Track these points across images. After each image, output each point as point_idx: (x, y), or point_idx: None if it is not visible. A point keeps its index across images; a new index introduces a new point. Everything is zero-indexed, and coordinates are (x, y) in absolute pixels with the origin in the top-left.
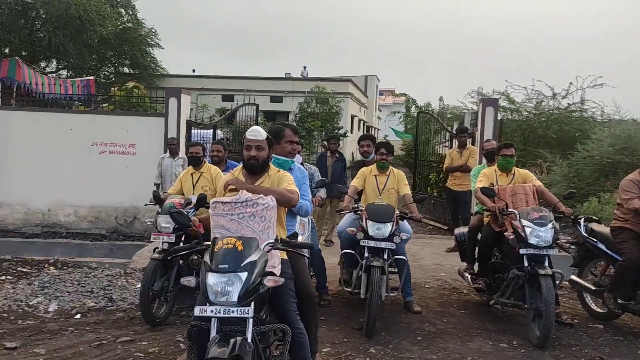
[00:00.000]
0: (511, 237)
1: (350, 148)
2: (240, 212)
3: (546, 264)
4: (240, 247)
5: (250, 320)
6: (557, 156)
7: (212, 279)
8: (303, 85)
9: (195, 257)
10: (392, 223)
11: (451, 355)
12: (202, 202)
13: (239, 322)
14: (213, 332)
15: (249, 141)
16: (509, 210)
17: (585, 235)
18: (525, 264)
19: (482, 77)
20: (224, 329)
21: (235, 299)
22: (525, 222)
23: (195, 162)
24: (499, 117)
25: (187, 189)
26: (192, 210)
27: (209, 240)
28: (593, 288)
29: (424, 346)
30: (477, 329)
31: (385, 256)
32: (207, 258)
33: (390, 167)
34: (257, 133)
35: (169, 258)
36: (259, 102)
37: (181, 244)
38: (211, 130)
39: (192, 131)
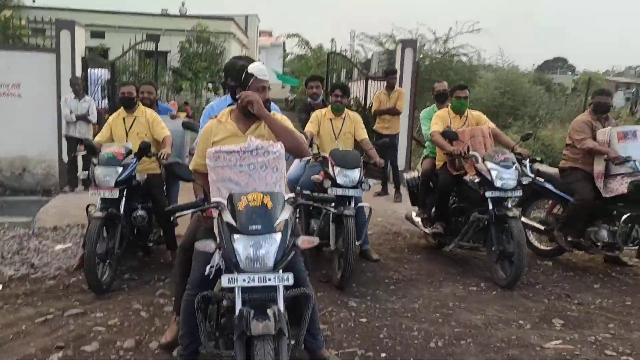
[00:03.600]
0: (477, 180)
1: None
2: (251, 162)
3: (508, 205)
4: (270, 204)
5: (282, 287)
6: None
7: (241, 242)
8: (182, 24)
9: (141, 213)
10: (360, 169)
11: (432, 303)
12: (146, 150)
13: (263, 289)
14: (239, 304)
15: (261, 82)
16: (471, 153)
17: (533, 176)
18: (490, 206)
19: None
20: (252, 298)
21: (271, 264)
22: (490, 165)
23: (128, 104)
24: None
25: (119, 135)
26: (134, 160)
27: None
28: (542, 227)
29: (400, 295)
30: (441, 273)
31: (353, 204)
32: (228, 218)
33: (346, 109)
34: (266, 72)
35: (172, 218)
36: (133, 41)
37: (123, 199)
38: (106, 70)
39: (89, 70)
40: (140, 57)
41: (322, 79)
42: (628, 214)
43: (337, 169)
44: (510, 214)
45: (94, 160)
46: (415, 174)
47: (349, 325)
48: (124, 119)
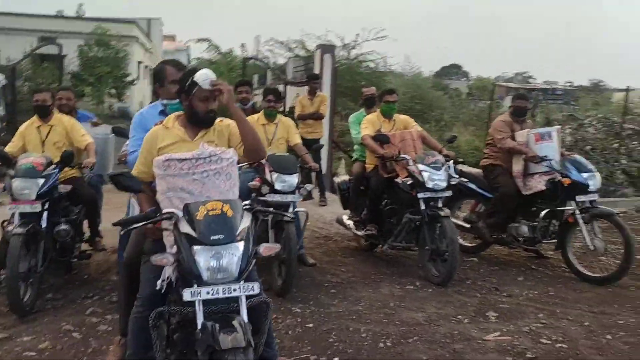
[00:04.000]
0: (409, 181)
1: (137, 96)
2: (204, 169)
3: (439, 205)
4: (230, 213)
5: (244, 298)
6: (357, 104)
7: (202, 253)
8: (80, 26)
9: (64, 227)
10: (298, 174)
11: (374, 304)
12: (69, 160)
13: (225, 301)
14: (200, 318)
15: (205, 91)
16: (402, 156)
17: (457, 176)
18: (423, 207)
19: (272, 26)
20: (213, 311)
21: (236, 274)
22: (422, 167)
23: (43, 112)
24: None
25: (34, 145)
26: (56, 171)
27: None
28: (467, 225)
29: (341, 298)
30: (377, 274)
31: (291, 210)
32: (186, 229)
33: (278, 115)
34: (210, 83)
35: (122, 232)
36: (27, 43)
37: (45, 213)
38: (2, 75)
39: None
40: (34, 61)
41: (251, 83)
42: (547, 210)
43: (274, 175)
44: (442, 213)
45: (10, 172)
46: (345, 177)
47: (297, 332)
48: (38, 128)
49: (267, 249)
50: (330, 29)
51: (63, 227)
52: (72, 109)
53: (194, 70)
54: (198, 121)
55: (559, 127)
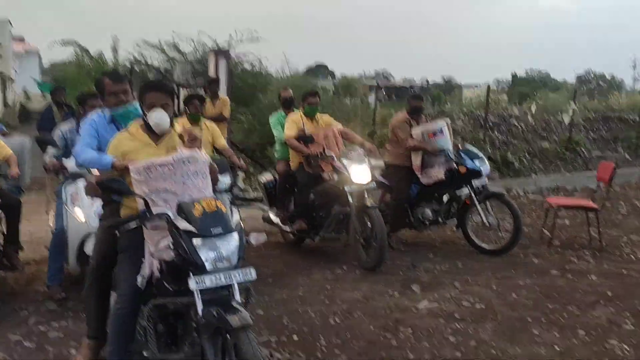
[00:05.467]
0: (335, 177)
1: None
2: (184, 171)
3: (365, 196)
4: (223, 208)
5: (237, 283)
6: (238, 106)
7: (204, 245)
8: None
9: None
10: (230, 174)
11: (312, 288)
12: None
13: (219, 289)
14: (200, 305)
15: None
16: (328, 153)
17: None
18: (350, 200)
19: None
20: (210, 299)
21: (236, 262)
22: (346, 162)
23: None
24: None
25: None
26: None
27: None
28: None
29: (281, 286)
30: (305, 263)
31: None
32: (184, 225)
33: (203, 119)
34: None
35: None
36: None
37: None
38: None
39: None
40: None
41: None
42: (448, 195)
43: None
44: (368, 204)
45: None
46: (269, 176)
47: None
48: None
49: (256, 238)
50: (202, 29)
51: None
52: None
53: (150, 81)
54: (152, 131)
55: (447, 120)
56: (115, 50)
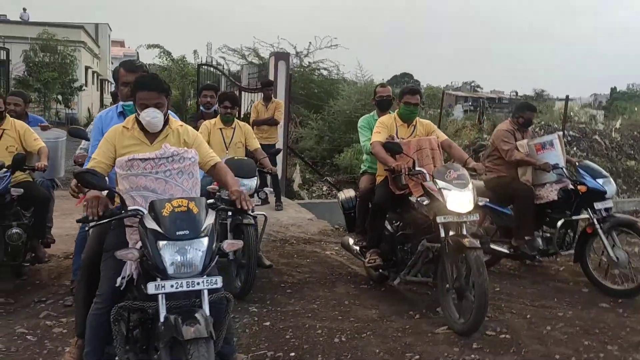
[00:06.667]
0: (425, 201)
1: (85, 103)
2: (167, 168)
3: (464, 231)
4: (195, 209)
5: (206, 292)
6: (311, 111)
7: (168, 248)
8: (24, 31)
9: (16, 231)
10: (256, 178)
11: (329, 302)
12: (21, 163)
13: (187, 295)
14: (163, 311)
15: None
16: (418, 169)
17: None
18: (443, 234)
19: (224, 33)
20: (176, 306)
21: (200, 268)
22: (442, 184)
23: None
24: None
25: None
26: (7, 174)
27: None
28: (506, 251)
29: (298, 297)
30: (332, 275)
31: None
32: (152, 225)
33: (236, 120)
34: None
35: (88, 229)
36: None
37: None
38: None
39: None
40: None
41: (217, 88)
42: (563, 220)
43: None
44: (467, 242)
45: None
46: (351, 193)
47: (254, 330)
48: None
49: (231, 244)
50: (284, 37)
51: (15, 230)
52: (21, 114)
53: (141, 78)
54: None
55: (559, 133)
56: (195, 53)
